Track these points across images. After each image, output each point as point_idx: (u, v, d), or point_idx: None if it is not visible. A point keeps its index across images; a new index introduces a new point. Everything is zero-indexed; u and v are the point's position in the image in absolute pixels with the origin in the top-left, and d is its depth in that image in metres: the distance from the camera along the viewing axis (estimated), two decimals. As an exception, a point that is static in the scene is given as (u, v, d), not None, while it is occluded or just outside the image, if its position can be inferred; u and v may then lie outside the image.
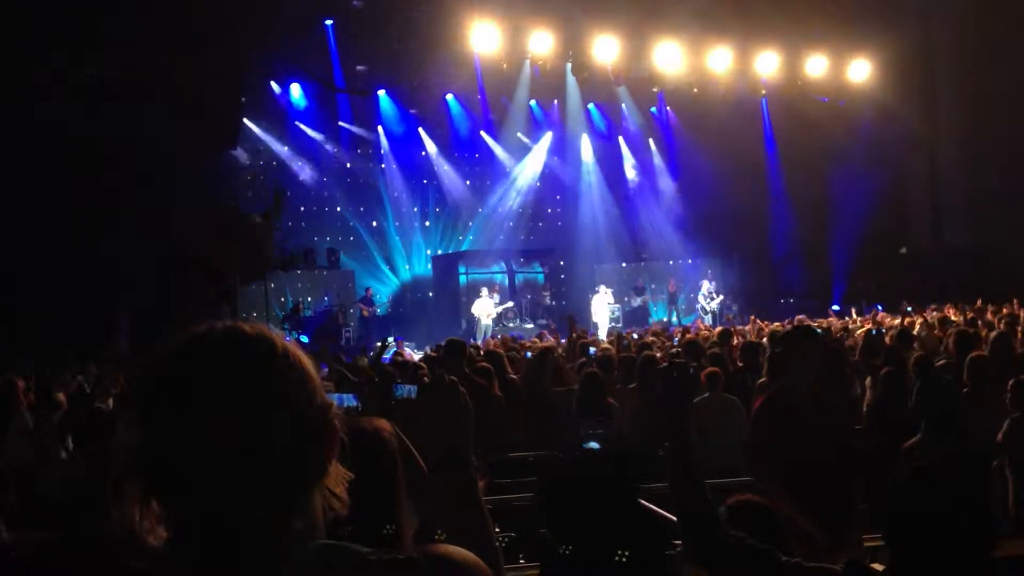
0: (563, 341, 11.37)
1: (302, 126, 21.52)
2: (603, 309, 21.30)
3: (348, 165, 22.79)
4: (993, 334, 8.02)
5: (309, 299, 21.25)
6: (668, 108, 24.25)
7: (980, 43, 22.03)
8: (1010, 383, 5.66)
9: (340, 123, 22.00)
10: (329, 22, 19.55)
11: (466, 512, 1.70)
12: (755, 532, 2.40)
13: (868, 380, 7.92)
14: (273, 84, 20.84)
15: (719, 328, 14.62)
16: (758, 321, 15.88)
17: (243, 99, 20.27)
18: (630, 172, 24.85)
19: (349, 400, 2.56)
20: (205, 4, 15.78)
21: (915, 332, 10.91)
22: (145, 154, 16.30)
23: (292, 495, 1.22)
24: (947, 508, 2.04)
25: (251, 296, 20.36)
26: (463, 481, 1.72)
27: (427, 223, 23.64)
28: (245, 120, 20.74)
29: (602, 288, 21.82)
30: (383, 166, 22.83)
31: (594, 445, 3.77)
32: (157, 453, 1.19)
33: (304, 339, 17.74)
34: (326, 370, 10.27)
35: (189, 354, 1.23)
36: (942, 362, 7.65)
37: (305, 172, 22.16)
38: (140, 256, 16.44)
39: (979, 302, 14.97)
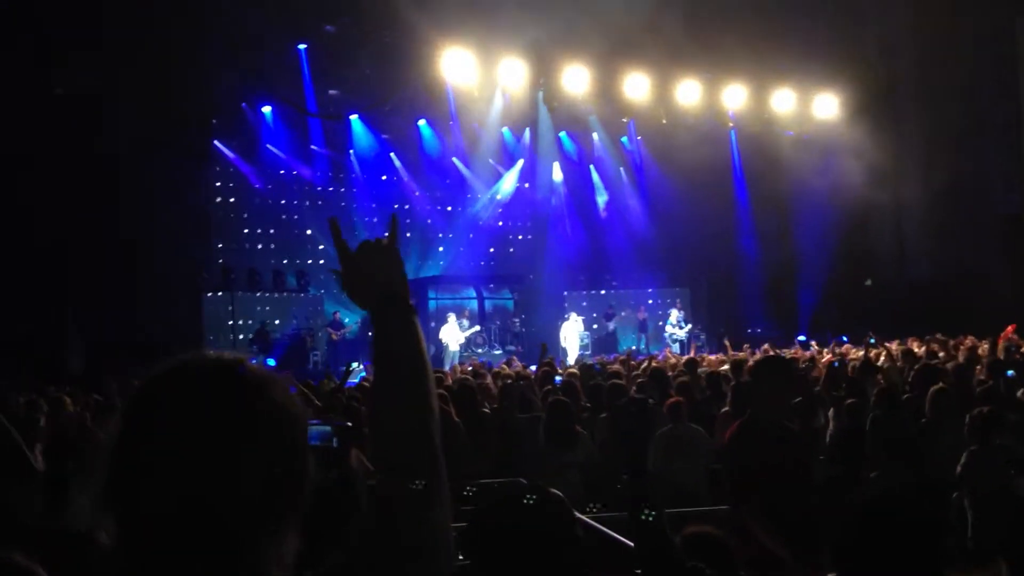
0: (531, 368, 11.38)
1: (273, 149, 21.46)
2: (573, 336, 21.39)
3: (319, 189, 22.77)
4: (951, 364, 8.15)
5: (277, 322, 21.12)
6: (639, 138, 24.49)
7: (941, 81, 22.53)
8: (968, 416, 5.75)
9: (312, 147, 21.98)
10: (302, 46, 19.57)
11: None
12: (708, 563, 2.43)
13: (831, 411, 8.02)
14: (245, 107, 20.80)
15: (686, 357, 14.71)
16: (729, 348, 16.00)
17: (214, 120, 20.25)
18: (601, 200, 25.03)
19: (321, 432, 2.48)
20: (178, 26, 15.76)
21: (879, 364, 11.05)
22: (115, 171, 16.26)
23: (241, 549, 1.17)
24: (897, 538, 2.08)
25: (216, 318, 20.23)
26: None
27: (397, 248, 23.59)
28: (216, 142, 20.69)
29: (572, 315, 21.90)
30: (354, 190, 22.83)
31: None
32: (116, 484, 1.17)
33: (271, 362, 17.61)
34: (293, 391, 10.23)
35: (168, 386, 1.21)
36: (906, 395, 7.75)
37: (275, 195, 22.11)
38: (105, 272, 16.32)
39: (937, 336, 15.16)
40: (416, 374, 1.55)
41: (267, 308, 21.30)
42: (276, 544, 1.21)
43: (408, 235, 23.79)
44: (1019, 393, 6.87)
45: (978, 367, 9.47)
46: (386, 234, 1.74)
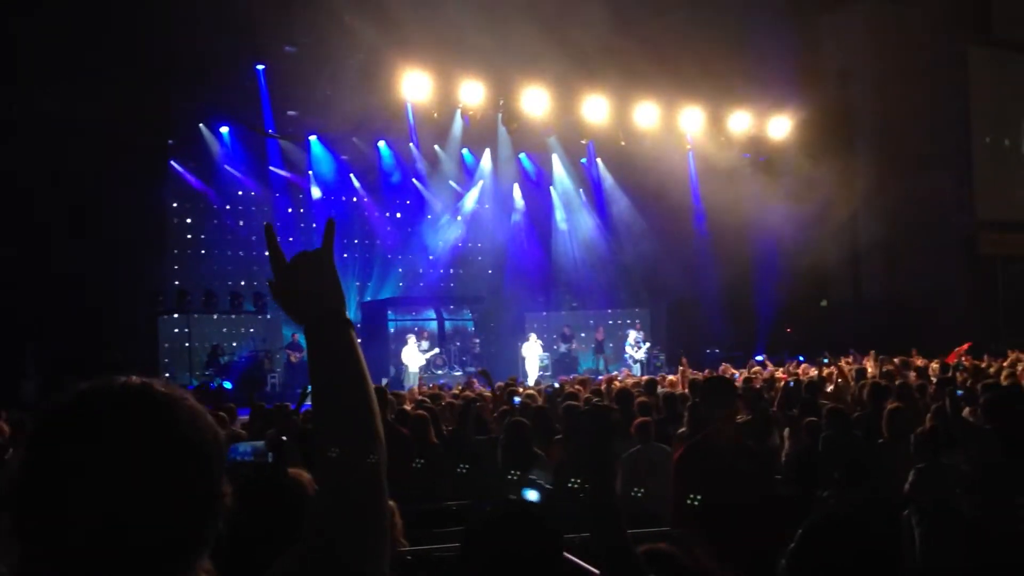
0: (488, 390, 11.34)
1: (231, 169, 21.29)
2: (533, 357, 21.41)
3: (277, 210, 22.61)
4: (899, 383, 8.27)
5: (235, 344, 20.90)
6: (598, 159, 24.67)
7: (896, 105, 23.00)
8: (914, 434, 5.83)
9: (270, 167, 21.83)
10: (261, 67, 19.48)
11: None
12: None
13: (787, 431, 8.08)
14: (202, 127, 20.63)
15: (646, 377, 14.76)
16: (687, 368, 16.07)
17: (170, 141, 20.06)
18: (560, 221, 25.15)
19: (256, 447, 2.45)
20: (134, 44, 15.62)
21: (831, 383, 11.18)
22: (69, 192, 16.04)
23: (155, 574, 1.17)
24: (849, 557, 2.09)
25: (173, 340, 19.99)
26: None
27: (356, 269, 23.50)
28: (172, 162, 20.49)
29: (532, 336, 21.92)
30: (313, 211, 22.70)
31: (533, 495, 3.60)
32: (23, 514, 1.15)
33: (228, 385, 17.41)
34: (247, 415, 10.08)
35: (78, 407, 1.19)
36: (856, 414, 7.84)
37: (233, 216, 21.91)
38: (59, 296, 16.07)
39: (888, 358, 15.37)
40: (357, 393, 1.50)
41: (224, 330, 21.08)
42: (190, 568, 1.20)
43: (367, 256, 23.76)
44: (966, 412, 6.98)
45: (930, 386, 9.61)
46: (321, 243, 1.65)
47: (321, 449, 1.44)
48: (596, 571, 2.49)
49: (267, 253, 1.65)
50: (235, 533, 1.31)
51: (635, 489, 6.44)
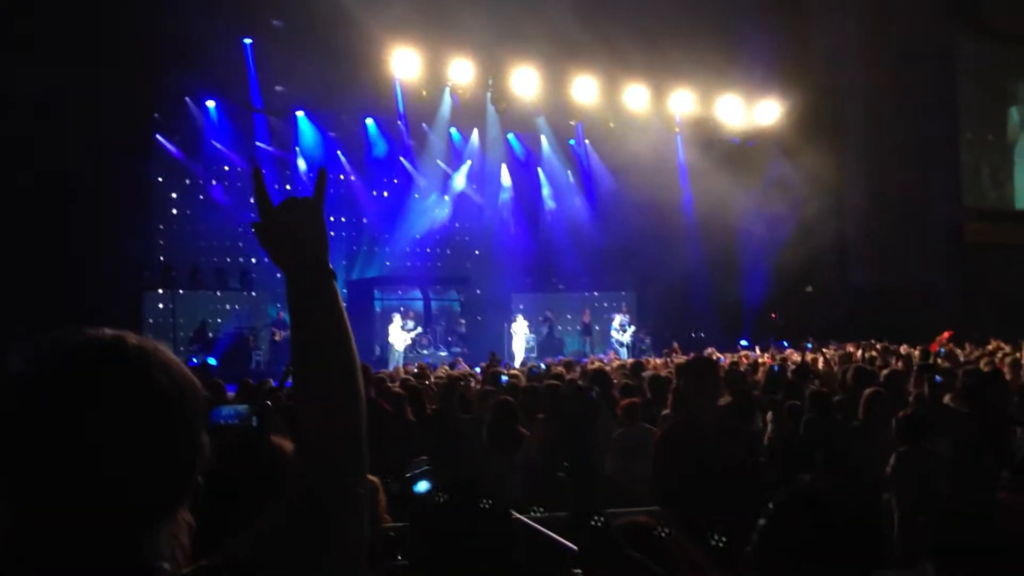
0: (476, 369, 11.35)
1: (217, 144, 21.13)
2: (520, 339, 21.45)
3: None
4: (885, 369, 8.31)
5: (219, 320, 20.82)
6: (586, 141, 24.62)
7: (884, 93, 23.03)
8: (895, 419, 5.86)
9: (257, 143, 21.67)
10: (248, 41, 19.30)
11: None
12: (642, 552, 2.45)
13: (770, 414, 8.12)
14: (188, 101, 20.45)
15: (631, 360, 14.81)
16: (678, 351, 16.14)
17: (156, 115, 19.87)
18: (548, 202, 25.11)
19: (239, 411, 2.42)
20: (121, 17, 15.45)
21: (816, 368, 11.23)
22: (53, 165, 15.89)
23: (135, 526, 1.17)
24: (816, 534, 2.10)
25: (157, 316, 19.90)
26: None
27: (343, 247, 23.42)
28: (158, 136, 20.31)
29: (519, 318, 21.93)
30: (300, 188, 22.54)
31: (423, 486, 3.45)
32: (3, 462, 1.15)
33: (212, 361, 17.35)
34: (234, 392, 10.05)
35: (53, 362, 1.18)
36: (838, 397, 7.88)
37: (219, 192, 21.77)
38: (42, 270, 15.94)
39: (874, 344, 15.48)
40: (338, 343, 1.47)
41: (210, 307, 20.99)
42: (169, 521, 1.21)
43: (354, 234, 23.67)
44: (946, 398, 7.03)
45: (911, 372, 9.67)
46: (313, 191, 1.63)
47: (302, 403, 1.41)
48: (548, 531, 2.49)
49: (253, 199, 1.61)
50: (215, 489, 1.30)
51: (621, 469, 6.48)
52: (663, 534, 2.80)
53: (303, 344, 1.48)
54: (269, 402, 2.26)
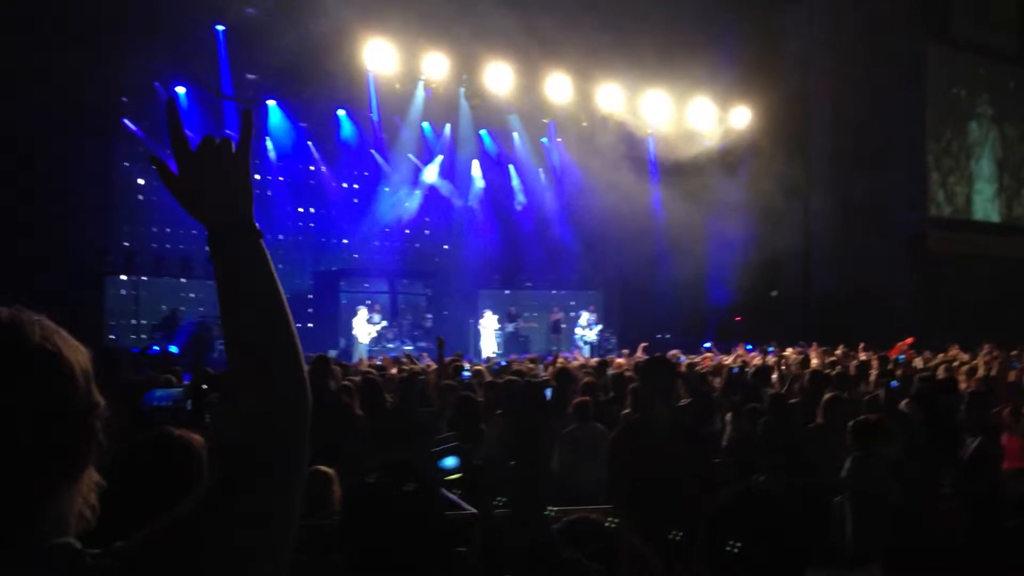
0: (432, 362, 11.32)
1: (187, 132, 20.81)
2: (488, 334, 21.45)
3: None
4: (843, 375, 8.41)
5: (183, 308, 20.60)
6: (559, 139, 24.64)
7: (853, 99, 23.28)
8: (850, 423, 5.94)
9: (226, 131, 21.34)
10: (220, 28, 19.10)
11: None
12: (587, 548, 2.45)
13: (728, 415, 8.19)
14: (158, 86, 20.18)
15: (595, 359, 14.85)
16: (643, 352, 16.17)
17: (124, 99, 19.62)
18: (519, 199, 25.09)
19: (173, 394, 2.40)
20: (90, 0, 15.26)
21: (775, 371, 11.32)
22: (16, 145, 15.65)
23: (25, 494, 1.12)
24: (755, 535, 2.12)
25: (119, 302, 19.64)
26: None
27: (310, 237, 23.24)
28: (125, 120, 20.03)
29: (488, 313, 21.91)
30: (269, 177, 22.37)
31: (451, 462, 3.54)
32: None
33: (174, 348, 17.18)
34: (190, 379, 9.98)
35: None
36: (795, 400, 7.96)
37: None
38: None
39: (840, 348, 15.65)
40: (274, 311, 1.35)
41: (174, 294, 20.75)
42: (66, 494, 1.16)
43: (321, 225, 23.51)
44: (902, 404, 7.13)
45: (869, 378, 9.80)
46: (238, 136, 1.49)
47: (237, 375, 1.30)
48: (471, 508, 2.49)
49: (168, 136, 1.46)
50: (126, 484, 1.27)
51: (570, 466, 6.50)
52: (608, 525, 2.81)
53: (235, 310, 1.36)
54: (205, 386, 2.25)
